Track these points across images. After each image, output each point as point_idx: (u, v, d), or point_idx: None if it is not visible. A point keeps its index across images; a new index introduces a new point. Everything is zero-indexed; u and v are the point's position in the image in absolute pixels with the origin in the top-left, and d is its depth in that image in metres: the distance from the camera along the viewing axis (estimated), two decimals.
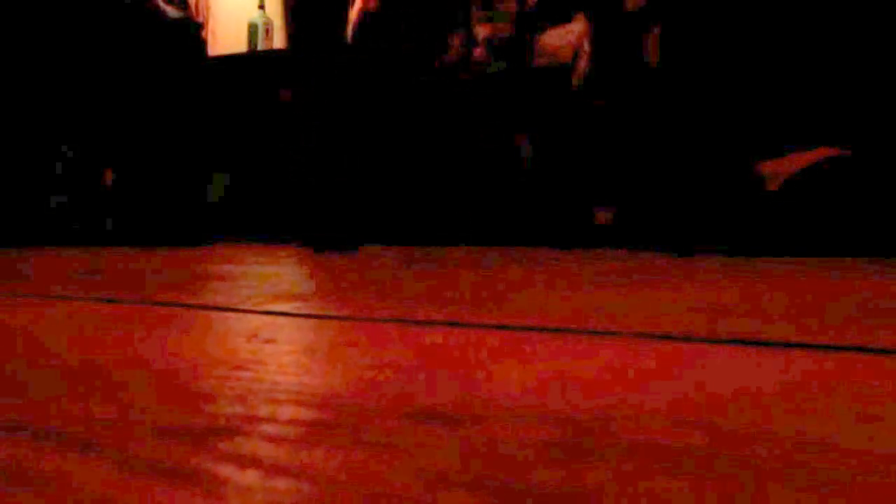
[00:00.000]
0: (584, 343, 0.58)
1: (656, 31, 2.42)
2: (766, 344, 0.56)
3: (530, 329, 0.65)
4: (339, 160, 2.26)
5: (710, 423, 0.34)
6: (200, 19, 3.61)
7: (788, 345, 0.56)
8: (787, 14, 2.16)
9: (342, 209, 2.28)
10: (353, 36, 3.11)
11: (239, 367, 0.48)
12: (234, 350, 0.56)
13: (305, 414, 0.37)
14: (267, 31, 3.89)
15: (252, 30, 3.86)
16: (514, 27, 3.01)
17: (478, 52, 3.03)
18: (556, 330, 0.65)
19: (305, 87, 2.30)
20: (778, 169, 2.10)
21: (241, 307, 0.83)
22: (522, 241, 2.65)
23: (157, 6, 2.96)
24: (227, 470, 0.28)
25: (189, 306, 0.85)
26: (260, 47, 3.83)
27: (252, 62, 3.64)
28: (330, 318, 0.77)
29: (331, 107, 2.25)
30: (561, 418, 0.35)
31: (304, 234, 2.36)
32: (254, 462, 0.29)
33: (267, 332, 0.65)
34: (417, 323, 0.69)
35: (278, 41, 3.94)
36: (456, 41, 3.07)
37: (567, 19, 2.94)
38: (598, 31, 2.79)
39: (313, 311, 0.83)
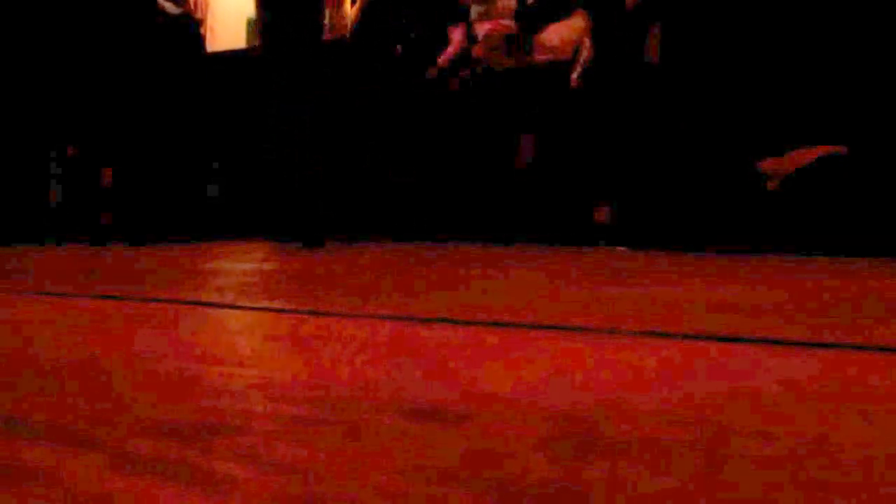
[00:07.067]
0: (584, 341, 0.58)
1: (657, 29, 2.42)
2: (765, 342, 0.56)
3: (529, 327, 0.65)
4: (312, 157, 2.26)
5: (709, 420, 0.34)
6: (199, 16, 3.60)
7: (788, 343, 0.56)
8: (787, 14, 2.15)
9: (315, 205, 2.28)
10: (352, 33, 3.12)
11: (240, 365, 0.48)
12: (233, 347, 0.56)
13: (302, 410, 0.37)
14: None
15: (251, 27, 3.85)
16: (514, 23, 3.00)
17: (477, 49, 3.02)
18: (556, 328, 0.65)
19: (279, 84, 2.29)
20: (778, 167, 2.10)
21: (238, 303, 0.82)
22: (521, 239, 2.65)
23: (157, 3, 2.96)
24: (223, 466, 0.28)
25: (186, 303, 0.84)
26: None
27: (250, 59, 3.63)
28: (326, 315, 0.77)
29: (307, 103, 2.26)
30: (560, 415, 0.35)
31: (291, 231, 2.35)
32: (250, 458, 0.28)
33: (264, 328, 0.65)
34: (414, 320, 0.69)
35: None
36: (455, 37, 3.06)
37: (567, 16, 2.93)
38: (599, 28, 2.79)
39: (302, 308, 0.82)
